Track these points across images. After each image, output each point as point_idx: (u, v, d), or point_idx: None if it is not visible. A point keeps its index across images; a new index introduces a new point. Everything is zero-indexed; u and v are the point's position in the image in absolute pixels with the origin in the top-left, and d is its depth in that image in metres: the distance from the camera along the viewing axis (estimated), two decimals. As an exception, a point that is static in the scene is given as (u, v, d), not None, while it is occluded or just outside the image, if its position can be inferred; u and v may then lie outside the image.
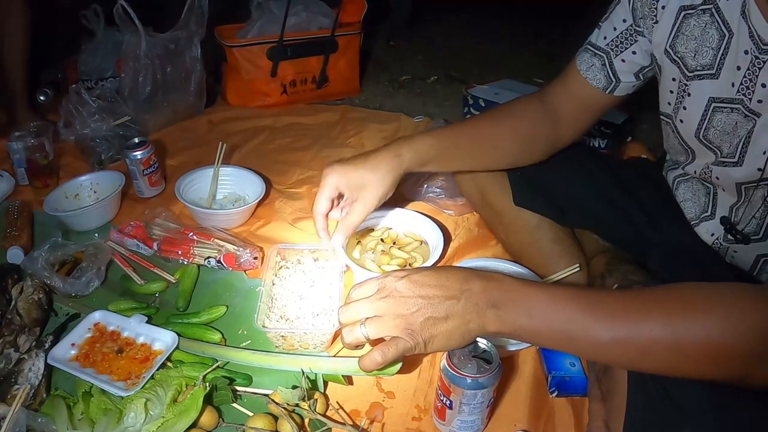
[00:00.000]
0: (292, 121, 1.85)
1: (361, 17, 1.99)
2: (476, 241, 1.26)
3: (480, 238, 1.27)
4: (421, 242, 1.16)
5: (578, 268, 1.02)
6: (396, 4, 2.61)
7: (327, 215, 0.94)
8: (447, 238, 1.22)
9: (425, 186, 1.36)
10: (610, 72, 0.91)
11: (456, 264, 1.17)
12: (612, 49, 0.90)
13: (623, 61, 0.90)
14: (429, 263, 1.08)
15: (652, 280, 0.92)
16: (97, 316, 0.97)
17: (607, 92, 0.93)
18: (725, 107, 0.78)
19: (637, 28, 0.86)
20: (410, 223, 1.20)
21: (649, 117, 1.73)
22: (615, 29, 0.89)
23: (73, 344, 0.92)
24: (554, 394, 0.91)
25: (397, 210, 1.21)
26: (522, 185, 1.05)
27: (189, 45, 1.70)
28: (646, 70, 0.90)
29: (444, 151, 0.94)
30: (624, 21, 0.87)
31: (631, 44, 0.88)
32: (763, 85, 0.72)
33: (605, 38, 0.91)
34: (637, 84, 0.93)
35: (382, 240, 1.16)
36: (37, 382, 0.86)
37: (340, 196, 0.94)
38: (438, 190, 1.35)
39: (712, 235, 0.89)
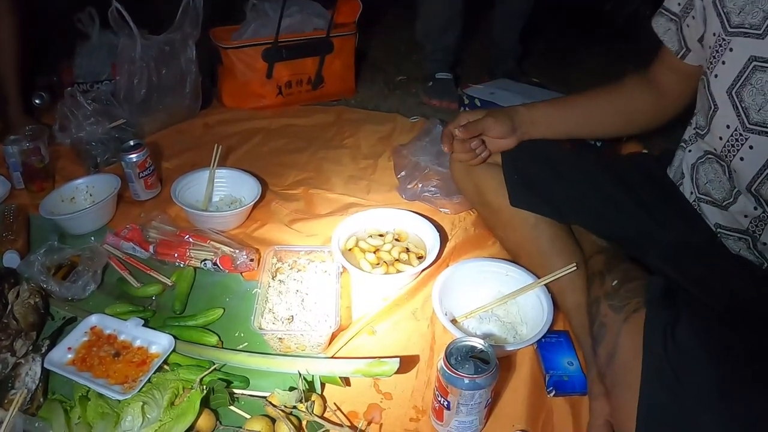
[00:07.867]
0: (287, 123, 1.84)
1: (356, 18, 1.99)
2: (473, 240, 1.26)
3: (477, 237, 1.27)
4: (419, 255, 1.16)
5: (575, 267, 1.02)
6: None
7: (456, 127, 1.05)
8: (444, 238, 1.22)
9: (421, 186, 1.36)
10: (682, 37, 0.93)
11: (452, 266, 1.16)
12: (683, 14, 0.91)
13: (688, 26, 0.91)
14: (425, 264, 1.08)
15: (651, 276, 0.91)
16: (94, 319, 0.97)
17: (678, 57, 0.95)
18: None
19: None
20: (407, 224, 1.20)
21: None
22: None
23: (69, 348, 0.92)
24: (552, 394, 0.91)
25: (394, 210, 1.21)
26: (518, 186, 1.05)
27: (184, 47, 1.70)
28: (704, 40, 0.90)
29: (554, 113, 1.09)
30: None
31: (692, 9, 0.89)
32: None
33: (679, 4, 0.92)
34: (703, 56, 0.91)
35: (390, 239, 1.16)
36: (33, 387, 0.85)
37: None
38: (434, 189, 1.35)
39: (746, 216, 0.88)
